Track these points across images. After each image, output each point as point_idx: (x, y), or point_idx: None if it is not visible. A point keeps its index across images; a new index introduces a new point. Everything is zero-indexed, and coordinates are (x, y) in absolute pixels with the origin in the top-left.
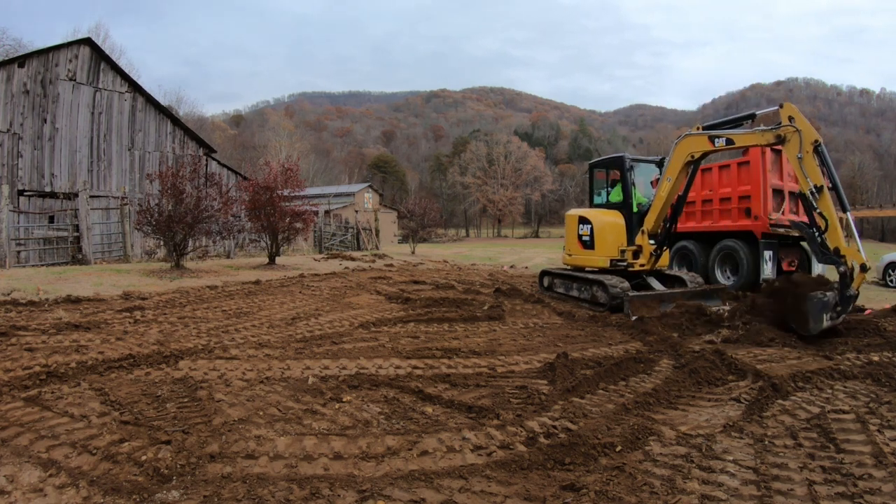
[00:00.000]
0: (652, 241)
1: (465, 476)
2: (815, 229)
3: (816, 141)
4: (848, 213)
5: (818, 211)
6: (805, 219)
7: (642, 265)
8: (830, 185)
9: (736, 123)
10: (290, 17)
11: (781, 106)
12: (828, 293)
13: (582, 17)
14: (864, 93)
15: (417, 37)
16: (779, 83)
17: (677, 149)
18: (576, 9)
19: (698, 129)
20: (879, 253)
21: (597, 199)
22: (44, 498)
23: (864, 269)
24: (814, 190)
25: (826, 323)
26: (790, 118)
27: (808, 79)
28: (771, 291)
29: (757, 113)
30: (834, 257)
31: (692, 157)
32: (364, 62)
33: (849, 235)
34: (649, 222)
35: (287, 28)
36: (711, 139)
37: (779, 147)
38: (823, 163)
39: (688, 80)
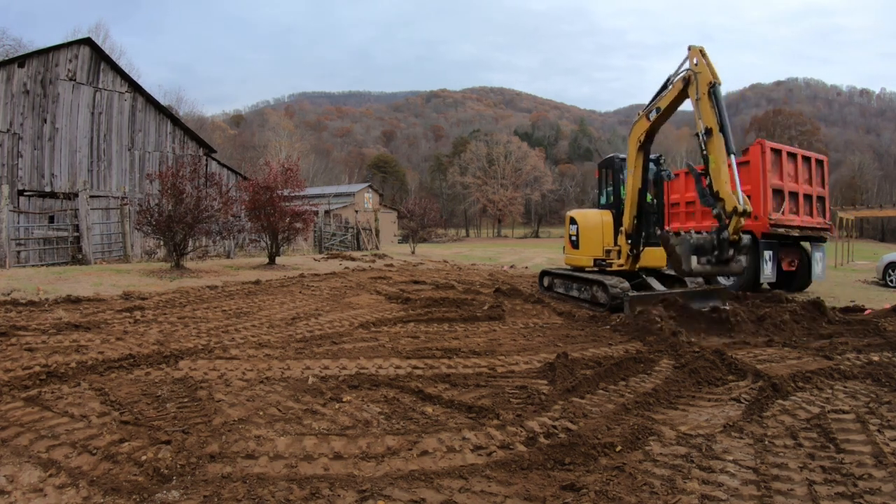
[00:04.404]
0: (629, 241)
1: (465, 476)
2: (703, 173)
3: (711, 83)
4: (732, 157)
5: (705, 153)
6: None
7: (621, 265)
8: (720, 126)
9: (659, 94)
10: (273, 26)
11: (689, 48)
12: (700, 235)
13: (556, 22)
14: (864, 93)
15: (398, 42)
16: (779, 83)
17: (629, 140)
18: (549, 14)
19: (638, 115)
20: (879, 253)
21: (601, 200)
22: (44, 498)
23: (736, 212)
24: (703, 132)
25: (698, 265)
26: (696, 60)
27: (809, 79)
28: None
29: (672, 75)
30: (712, 199)
31: (640, 141)
32: (350, 66)
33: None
34: (626, 222)
35: (271, 36)
36: (646, 116)
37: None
38: (716, 104)
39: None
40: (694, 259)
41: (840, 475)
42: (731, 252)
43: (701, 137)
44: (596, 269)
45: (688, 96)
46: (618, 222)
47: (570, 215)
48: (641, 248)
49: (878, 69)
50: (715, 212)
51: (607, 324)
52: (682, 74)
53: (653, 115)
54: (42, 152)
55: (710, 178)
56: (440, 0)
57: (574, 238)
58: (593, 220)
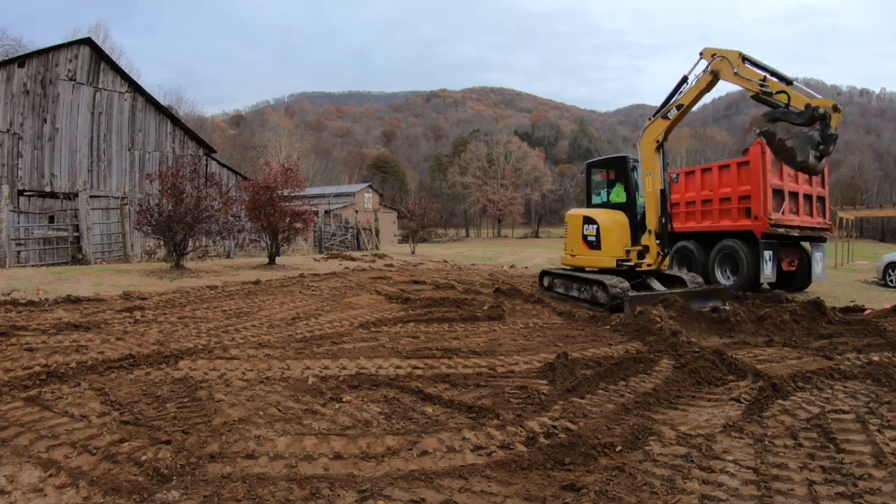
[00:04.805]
0: (658, 241)
1: (465, 476)
2: (781, 107)
3: (741, 55)
4: (794, 83)
5: (775, 92)
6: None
7: (649, 265)
8: (770, 73)
9: (674, 94)
10: (273, 26)
11: (701, 53)
12: (813, 131)
13: (554, 22)
14: (864, 93)
15: (397, 43)
16: None
17: (643, 143)
18: (545, 15)
19: (650, 119)
20: (879, 253)
21: (595, 199)
22: (44, 498)
23: (836, 109)
24: (761, 83)
25: (812, 158)
26: (713, 55)
27: (808, 79)
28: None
29: (687, 74)
30: (810, 112)
31: (657, 142)
32: (349, 66)
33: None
34: (651, 222)
35: (271, 36)
36: (664, 116)
37: (719, 80)
38: (755, 64)
39: (666, 82)
40: (810, 151)
41: (840, 475)
42: (831, 148)
43: (760, 90)
44: (615, 268)
45: (710, 89)
46: (633, 222)
47: (586, 215)
48: (669, 249)
49: (878, 69)
50: (821, 111)
51: (607, 324)
52: (707, 69)
53: (672, 114)
54: (42, 152)
55: (792, 106)
56: (438, 1)
57: (593, 239)
58: (615, 221)
